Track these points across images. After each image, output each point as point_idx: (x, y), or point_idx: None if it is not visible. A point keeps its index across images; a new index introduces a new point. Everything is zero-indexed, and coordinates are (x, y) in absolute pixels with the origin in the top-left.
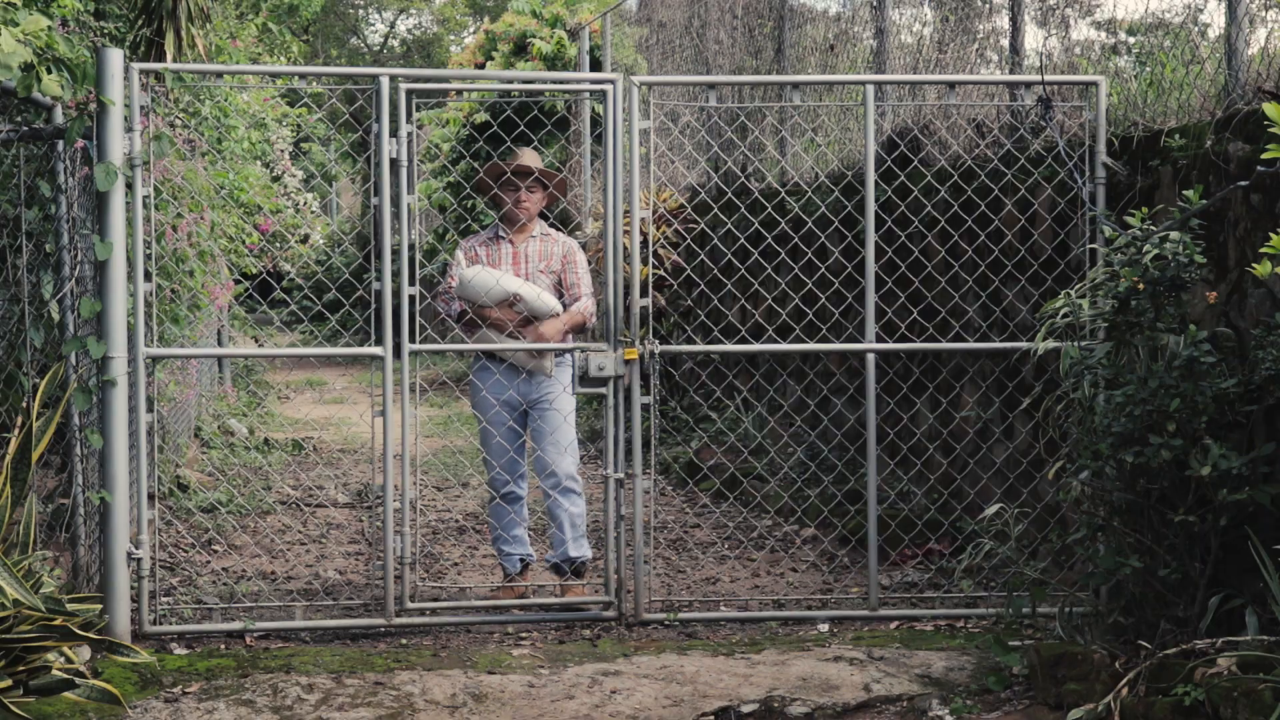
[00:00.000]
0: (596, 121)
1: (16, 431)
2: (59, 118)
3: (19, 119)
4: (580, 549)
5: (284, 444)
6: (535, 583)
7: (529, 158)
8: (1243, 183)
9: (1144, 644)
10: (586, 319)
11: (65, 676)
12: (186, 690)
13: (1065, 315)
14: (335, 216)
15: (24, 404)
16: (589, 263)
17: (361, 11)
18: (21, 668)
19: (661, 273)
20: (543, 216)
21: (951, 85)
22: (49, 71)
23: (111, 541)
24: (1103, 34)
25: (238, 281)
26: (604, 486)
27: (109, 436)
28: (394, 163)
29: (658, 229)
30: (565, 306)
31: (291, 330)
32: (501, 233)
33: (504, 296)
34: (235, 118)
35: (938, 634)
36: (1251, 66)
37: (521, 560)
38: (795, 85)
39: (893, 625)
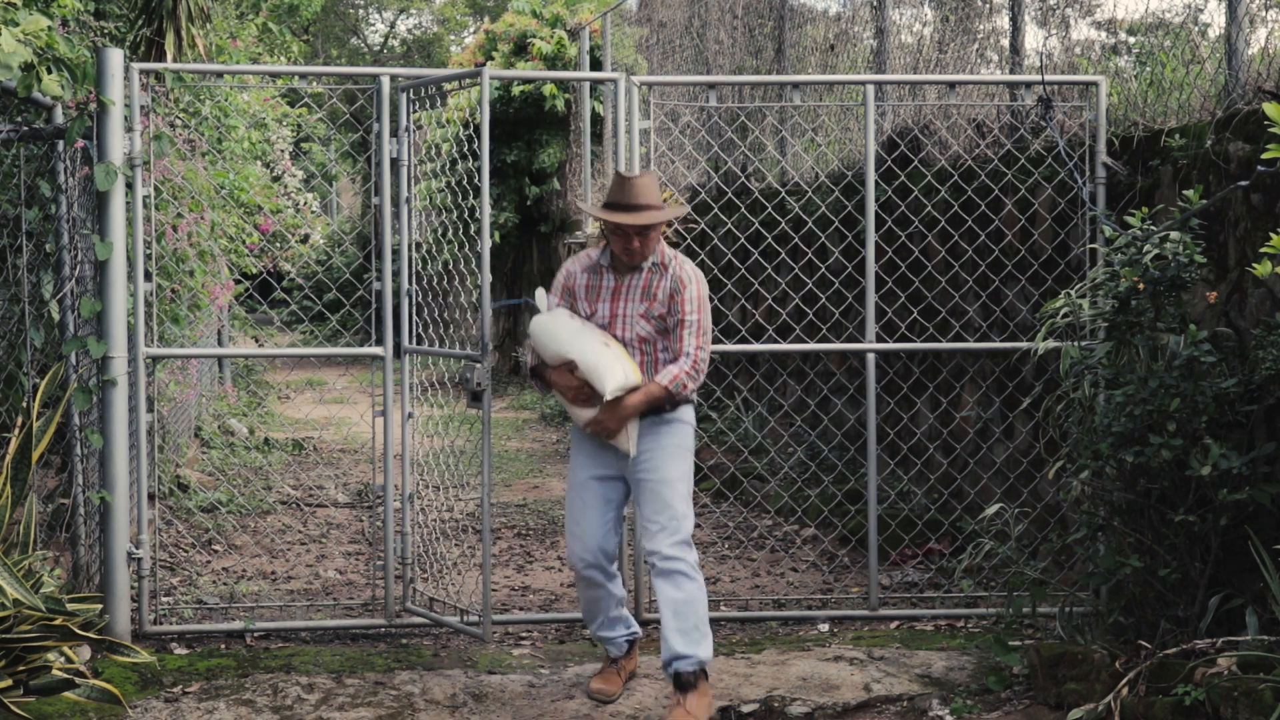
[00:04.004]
0: (593, 121)
1: (16, 431)
2: (59, 118)
3: (19, 119)
4: (691, 645)
5: (284, 444)
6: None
7: (639, 192)
8: (1243, 183)
9: (1144, 644)
10: (670, 390)
11: (65, 676)
12: (186, 690)
13: (1065, 315)
14: (335, 216)
15: (24, 404)
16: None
17: (361, 11)
18: (22, 667)
19: None
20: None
21: (951, 85)
22: (49, 71)
23: (111, 541)
24: (1103, 34)
25: (238, 281)
26: None
27: (109, 436)
28: (394, 163)
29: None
30: (664, 359)
31: (292, 330)
32: (605, 259)
33: (559, 359)
34: (235, 118)
35: (938, 634)
36: (1251, 66)
37: (627, 640)
38: (795, 85)
39: (893, 625)
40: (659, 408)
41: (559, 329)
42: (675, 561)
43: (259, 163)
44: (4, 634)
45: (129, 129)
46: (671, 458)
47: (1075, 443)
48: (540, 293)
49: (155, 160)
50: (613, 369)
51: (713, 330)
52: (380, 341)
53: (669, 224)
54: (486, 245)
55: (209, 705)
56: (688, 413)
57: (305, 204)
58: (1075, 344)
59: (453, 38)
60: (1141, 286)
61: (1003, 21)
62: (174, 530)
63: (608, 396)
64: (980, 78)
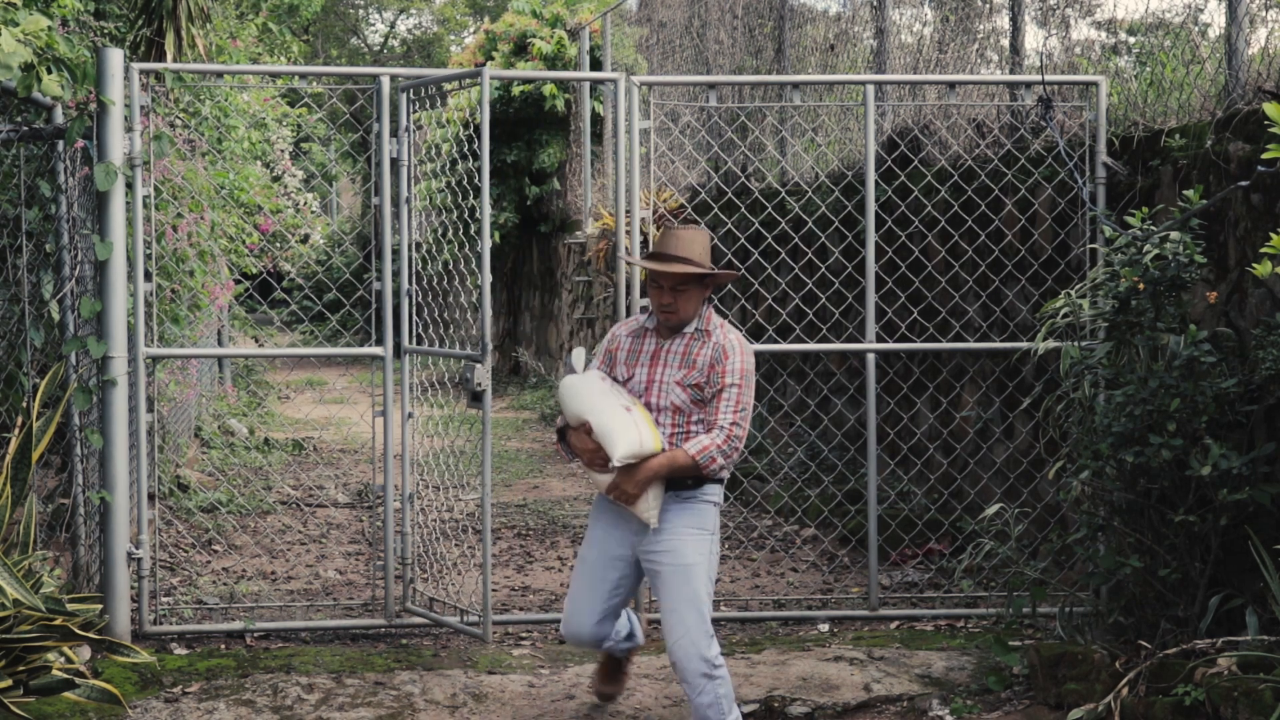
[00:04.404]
0: (593, 121)
1: (16, 431)
2: (59, 118)
3: (19, 119)
4: None
5: (284, 444)
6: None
7: (679, 244)
8: (1243, 183)
9: (1144, 644)
10: (698, 461)
11: (65, 676)
12: (186, 690)
13: (1065, 315)
14: (335, 216)
15: (24, 404)
16: (591, 264)
17: (361, 11)
18: (22, 668)
19: None
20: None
21: (952, 85)
22: (49, 71)
23: (111, 541)
24: (1103, 34)
25: (238, 281)
26: None
27: (109, 436)
28: (394, 163)
29: (658, 229)
30: (694, 428)
31: (292, 330)
32: (650, 323)
33: (578, 419)
34: (235, 118)
35: (938, 634)
36: (1251, 66)
37: (628, 645)
38: (795, 85)
39: (893, 625)
40: (681, 482)
41: (584, 388)
42: (697, 676)
43: (259, 163)
44: (4, 634)
45: (129, 129)
46: (690, 543)
47: (1075, 443)
48: (577, 352)
49: (155, 160)
50: (625, 434)
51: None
52: (380, 341)
53: (712, 288)
54: (486, 245)
55: (209, 705)
56: (714, 492)
57: (305, 204)
58: (1075, 344)
59: (453, 38)
60: (1141, 286)
61: (1003, 21)
62: (174, 530)
63: (615, 463)
64: (980, 78)
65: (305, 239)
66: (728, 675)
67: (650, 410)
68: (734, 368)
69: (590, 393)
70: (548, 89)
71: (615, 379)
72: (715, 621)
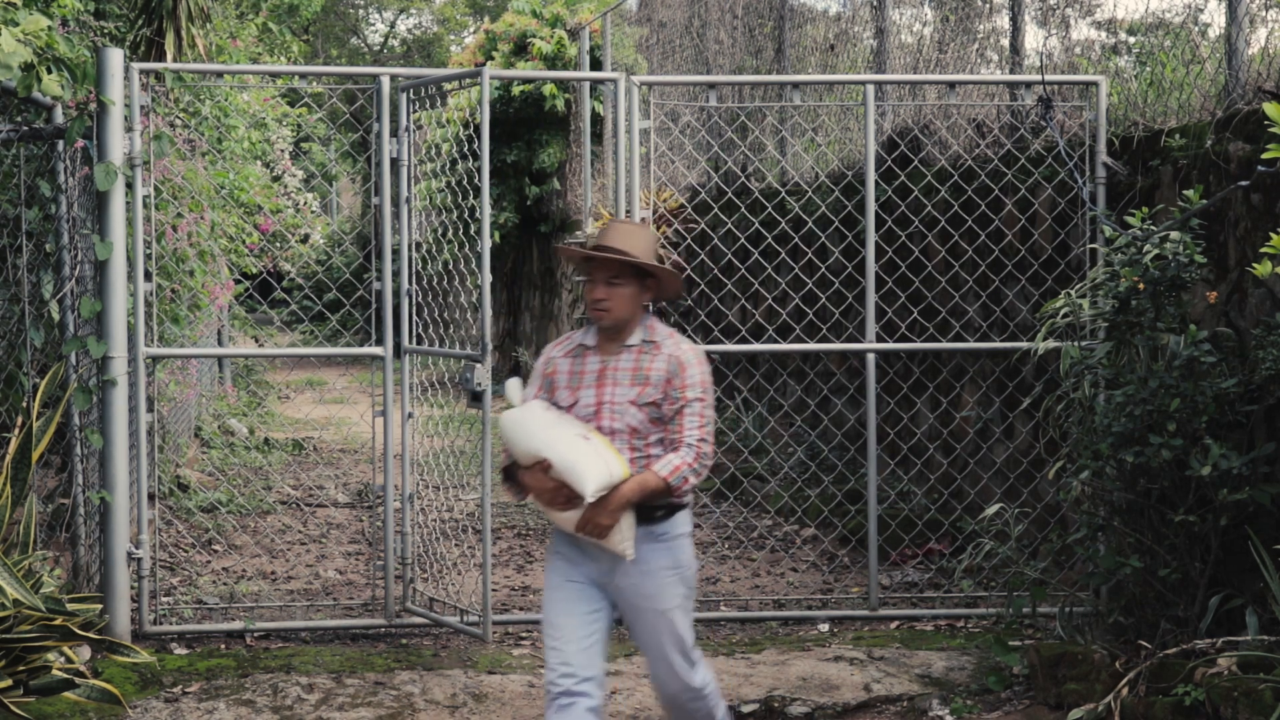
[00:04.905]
0: (593, 121)
1: (16, 431)
2: (59, 118)
3: (19, 119)
4: None
5: (284, 444)
6: None
7: (617, 235)
8: (1243, 183)
9: (1144, 644)
10: (670, 483)
11: (65, 676)
12: (186, 690)
13: (1065, 315)
14: (335, 216)
15: (24, 404)
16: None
17: (361, 11)
18: (22, 667)
19: None
20: (660, 312)
21: (951, 85)
22: (49, 71)
23: (111, 541)
24: (1103, 34)
25: (238, 281)
26: None
27: (109, 436)
28: (394, 162)
29: (658, 229)
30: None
31: (292, 330)
32: (589, 339)
33: (531, 457)
34: (235, 117)
35: (938, 634)
36: (1251, 66)
37: None
38: (795, 85)
39: (893, 625)
40: (650, 513)
41: (531, 422)
42: (689, 696)
43: (259, 163)
44: (4, 634)
45: (129, 129)
46: (670, 586)
47: (1075, 443)
48: (513, 382)
49: (155, 160)
50: (592, 465)
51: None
52: (380, 341)
53: (654, 293)
54: (486, 245)
55: (209, 705)
56: (684, 522)
57: (305, 204)
58: (1075, 344)
59: (453, 38)
60: (1141, 286)
61: (1003, 21)
62: (174, 530)
63: (589, 499)
64: (980, 78)
65: (305, 239)
66: (716, 687)
67: (603, 435)
68: (694, 380)
69: (540, 425)
70: (548, 89)
71: (556, 405)
72: (715, 622)
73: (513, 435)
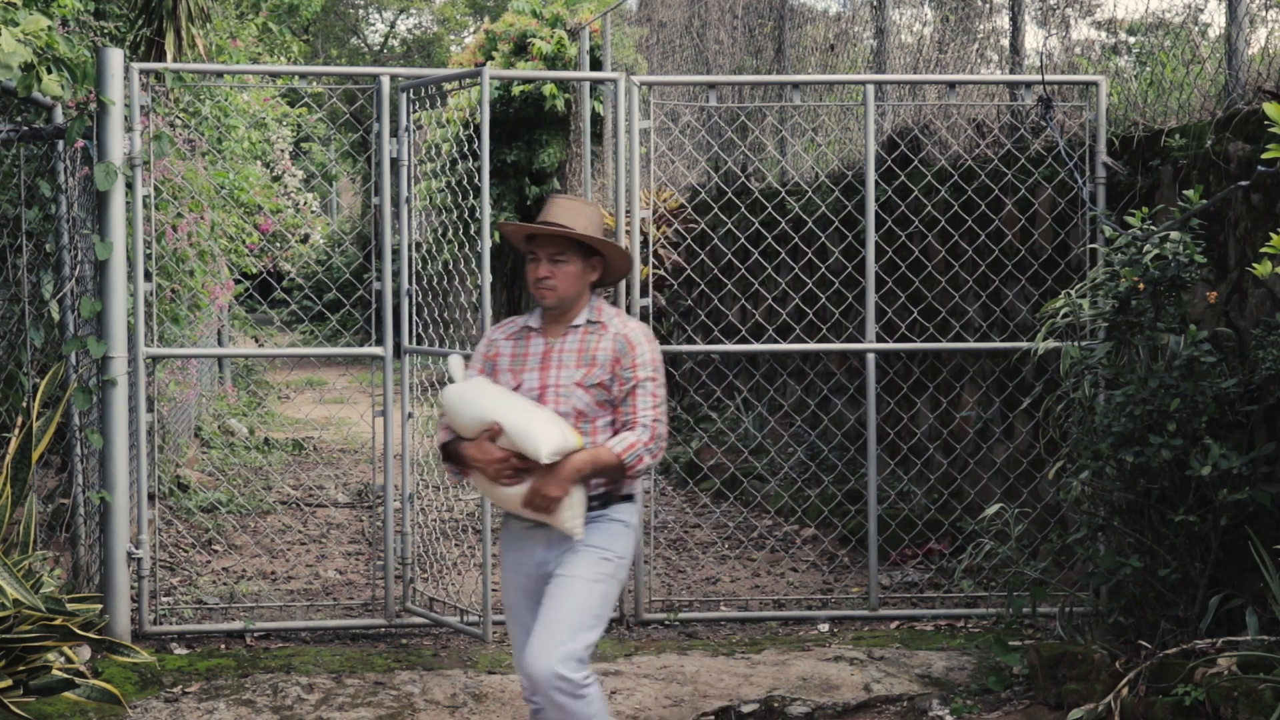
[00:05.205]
0: (593, 121)
1: (16, 431)
2: (59, 118)
3: (19, 119)
4: None
5: (284, 444)
6: None
7: (559, 211)
8: (1243, 182)
9: (1144, 644)
10: (624, 461)
11: (65, 676)
12: (186, 690)
13: (1065, 315)
14: (335, 216)
15: (24, 404)
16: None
17: (361, 11)
18: (22, 668)
19: (662, 273)
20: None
21: (951, 85)
22: (49, 71)
23: (111, 541)
24: (1103, 34)
25: (238, 281)
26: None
27: (109, 436)
28: (394, 162)
29: (658, 229)
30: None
31: (292, 330)
32: (533, 321)
33: (479, 425)
34: (235, 117)
35: (938, 634)
36: (1251, 66)
37: None
38: (795, 85)
39: (893, 625)
40: (596, 495)
41: (479, 391)
42: (561, 682)
43: (259, 163)
44: (4, 634)
45: (129, 129)
46: (588, 560)
47: (1075, 443)
48: (455, 359)
49: (155, 160)
50: (547, 429)
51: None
52: (380, 341)
53: (600, 272)
54: (486, 245)
55: (209, 705)
56: (625, 512)
57: (305, 204)
58: (1075, 344)
59: (453, 38)
60: (1141, 286)
61: (1003, 21)
62: (174, 530)
63: (544, 460)
64: (980, 78)
65: (305, 239)
66: (598, 696)
67: None
68: (644, 360)
69: (489, 393)
70: (548, 89)
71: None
72: (715, 622)
73: (458, 406)
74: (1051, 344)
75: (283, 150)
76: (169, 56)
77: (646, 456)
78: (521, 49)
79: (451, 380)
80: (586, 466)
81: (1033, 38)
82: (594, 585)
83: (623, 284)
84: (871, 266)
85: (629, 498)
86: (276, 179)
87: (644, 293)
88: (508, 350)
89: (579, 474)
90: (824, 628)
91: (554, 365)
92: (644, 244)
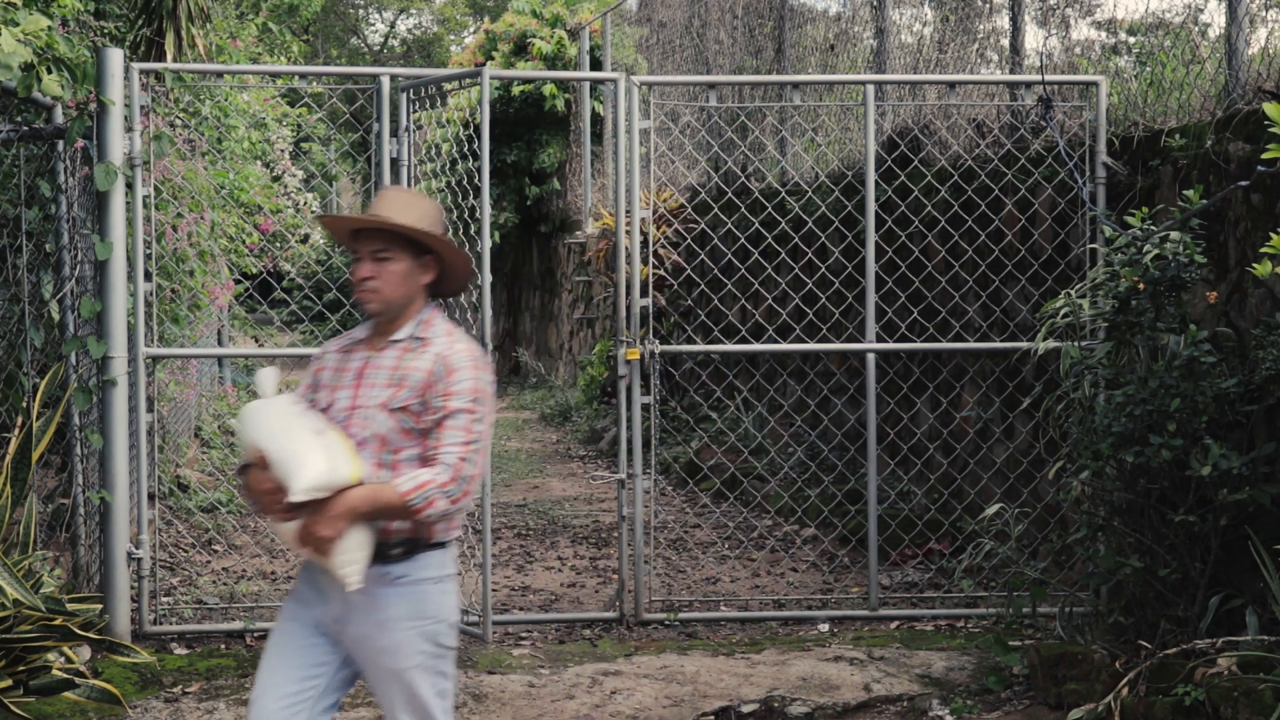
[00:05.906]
0: (593, 121)
1: (16, 431)
2: (59, 118)
3: (19, 119)
4: None
5: None
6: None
7: (387, 203)
8: (1243, 183)
9: (1144, 644)
10: (408, 502)
11: (65, 676)
12: (186, 690)
13: (1065, 315)
14: None
15: (24, 404)
16: (591, 265)
17: (361, 11)
18: (22, 668)
19: (662, 273)
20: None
21: (952, 85)
22: (49, 71)
23: (111, 541)
24: (1103, 34)
25: (238, 281)
26: (611, 487)
27: (109, 436)
28: (394, 162)
29: (658, 229)
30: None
31: (292, 330)
32: (362, 331)
33: (253, 451)
34: (235, 118)
35: (938, 634)
36: (1251, 66)
37: None
38: (795, 85)
39: (893, 625)
40: (385, 551)
41: (264, 413)
42: None
43: (259, 163)
44: (4, 634)
45: (129, 129)
46: (410, 640)
47: (1075, 443)
48: (266, 372)
49: (155, 160)
50: (309, 461)
51: (487, 449)
52: None
53: (435, 274)
54: (486, 245)
55: (209, 705)
56: (433, 565)
57: (305, 204)
58: (1075, 344)
59: (453, 38)
60: (1141, 286)
61: (1003, 21)
62: (174, 530)
63: (295, 496)
64: (980, 78)
65: (305, 239)
66: None
67: (352, 443)
68: (462, 387)
69: (270, 416)
70: (548, 89)
71: (316, 406)
72: (715, 621)
73: (240, 427)
74: (1051, 344)
75: (283, 150)
76: (169, 56)
77: (441, 500)
78: (521, 49)
79: (257, 395)
80: (363, 505)
81: (1033, 38)
82: (425, 667)
83: (623, 284)
84: (871, 266)
85: (440, 545)
86: (276, 179)
87: (644, 293)
88: (332, 363)
89: (353, 513)
90: (824, 628)
91: (366, 384)
92: (644, 244)
